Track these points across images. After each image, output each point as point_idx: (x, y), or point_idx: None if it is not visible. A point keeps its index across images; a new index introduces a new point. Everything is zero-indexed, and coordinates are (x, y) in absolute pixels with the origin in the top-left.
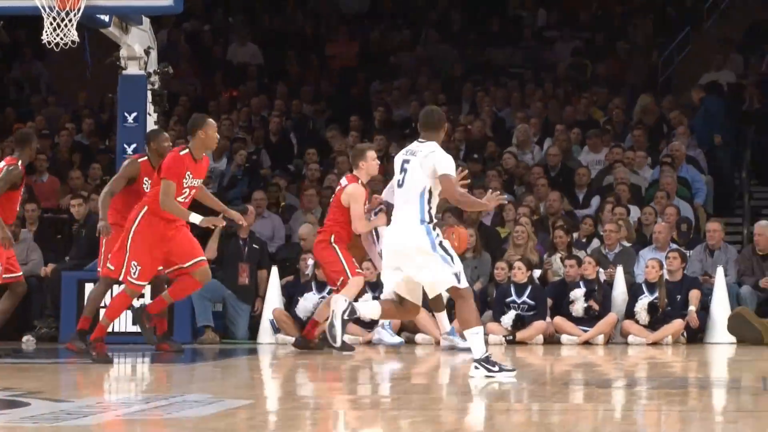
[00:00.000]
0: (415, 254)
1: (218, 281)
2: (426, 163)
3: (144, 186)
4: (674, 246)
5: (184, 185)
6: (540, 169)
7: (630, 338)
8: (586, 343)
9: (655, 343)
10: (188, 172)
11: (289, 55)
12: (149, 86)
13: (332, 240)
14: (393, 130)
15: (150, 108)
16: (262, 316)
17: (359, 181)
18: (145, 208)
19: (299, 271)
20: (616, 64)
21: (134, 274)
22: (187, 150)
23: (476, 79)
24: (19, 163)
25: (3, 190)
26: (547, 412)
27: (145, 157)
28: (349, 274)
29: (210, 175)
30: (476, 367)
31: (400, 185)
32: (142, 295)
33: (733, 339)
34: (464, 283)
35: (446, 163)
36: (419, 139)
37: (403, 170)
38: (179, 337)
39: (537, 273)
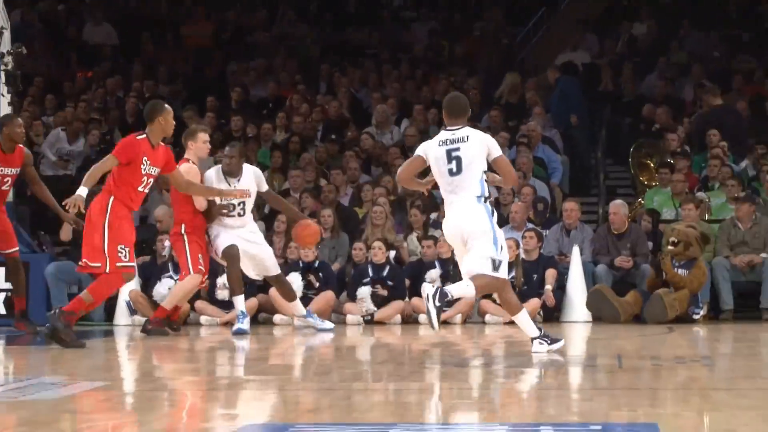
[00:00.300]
0: (479, 234)
1: (73, 263)
2: (482, 148)
3: None
4: (531, 225)
5: (142, 171)
6: (397, 149)
7: (487, 317)
8: (444, 323)
9: (511, 322)
10: (145, 158)
11: (145, 35)
12: (2, 67)
13: (182, 230)
14: (250, 110)
15: (3, 89)
16: (118, 297)
17: (190, 161)
18: (111, 198)
19: (155, 252)
20: (473, 44)
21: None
22: (144, 136)
23: (333, 59)
24: None
25: None
26: (403, 392)
27: None
28: (191, 270)
29: (67, 158)
30: (540, 343)
31: (455, 173)
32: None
33: (589, 317)
34: (503, 274)
35: (497, 145)
36: (448, 127)
37: (455, 158)
38: (35, 319)
39: (392, 254)
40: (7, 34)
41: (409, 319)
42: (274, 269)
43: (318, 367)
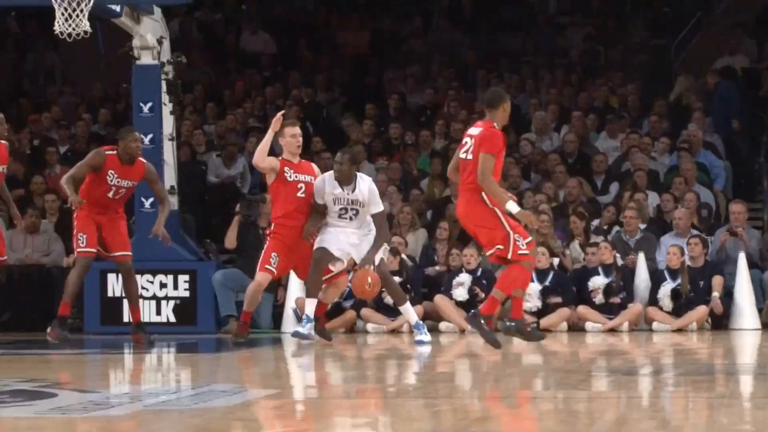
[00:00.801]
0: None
1: (240, 271)
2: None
3: (108, 178)
4: (695, 232)
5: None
6: (557, 156)
7: (654, 325)
8: (611, 331)
9: (679, 330)
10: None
11: (302, 43)
12: (163, 76)
13: (271, 229)
14: (408, 117)
15: (164, 98)
16: (285, 305)
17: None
18: None
19: None
20: (628, 49)
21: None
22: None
23: (489, 65)
24: None
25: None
26: (572, 400)
27: (115, 151)
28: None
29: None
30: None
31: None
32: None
33: (758, 325)
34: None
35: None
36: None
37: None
38: (203, 327)
39: (555, 261)
40: (166, 44)
41: (576, 327)
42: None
43: (486, 375)
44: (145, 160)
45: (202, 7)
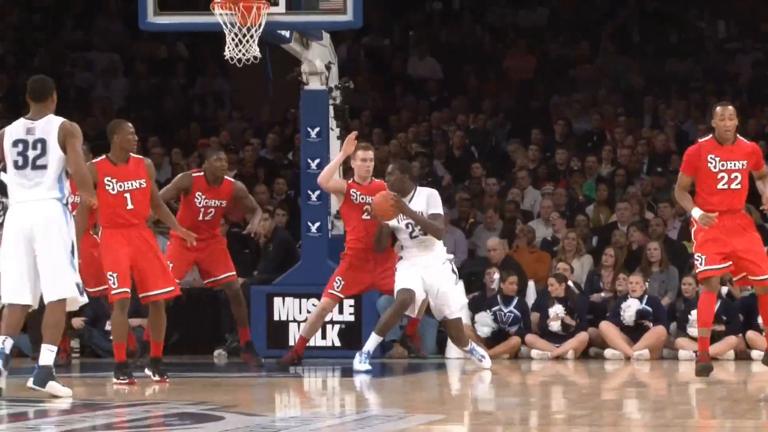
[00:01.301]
0: None
1: None
2: None
3: (196, 200)
4: None
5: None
6: None
7: None
8: None
9: None
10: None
11: (468, 69)
12: (331, 101)
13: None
14: (574, 143)
15: (332, 123)
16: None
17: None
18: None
19: (485, 285)
20: None
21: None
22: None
23: (657, 91)
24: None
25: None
26: (739, 429)
27: (201, 173)
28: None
29: None
30: None
31: None
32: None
33: None
34: None
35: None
36: None
37: None
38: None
39: (724, 290)
40: (334, 69)
41: (743, 355)
42: (452, 313)
43: (652, 403)
44: (232, 179)
45: (370, 32)
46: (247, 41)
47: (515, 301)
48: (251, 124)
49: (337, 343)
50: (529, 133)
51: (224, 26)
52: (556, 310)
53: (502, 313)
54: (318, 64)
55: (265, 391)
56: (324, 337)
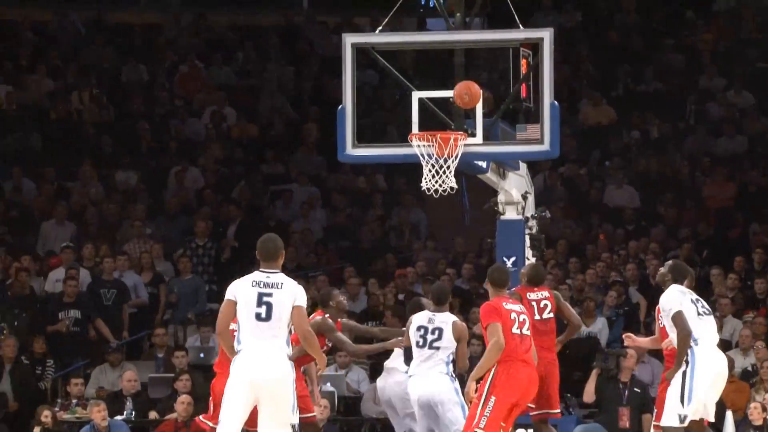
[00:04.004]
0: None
1: (600, 425)
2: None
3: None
4: None
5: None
6: None
7: None
8: None
9: None
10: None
11: (666, 197)
12: (527, 230)
13: None
14: None
15: (528, 252)
16: None
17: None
18: None
19: None
20: None
21: None
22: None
23: None
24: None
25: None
26: None
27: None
28: None
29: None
30: None
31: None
32: None
33: None
34: None
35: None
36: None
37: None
38: None
39: None
40: (531, 199)
41: None
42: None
43: None
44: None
45: (567, 162)
46: (444, 172)
47: None
48: (446, 254)
49: None
50: (728, 261)
51: (421, 158)
52: None
53: None
54: (514, 194)
55: None
56: None
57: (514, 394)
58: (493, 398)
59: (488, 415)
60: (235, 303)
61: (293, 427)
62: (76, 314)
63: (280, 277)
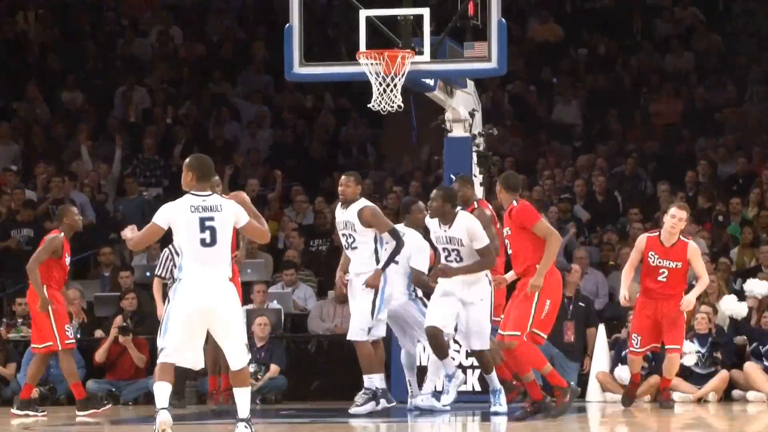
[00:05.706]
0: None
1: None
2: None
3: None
4: None
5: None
6: None
7: None
8: None
9: None
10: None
11: (612, 113)
12: (474, 148)
13: None
14: (717, 186)
15: (475, 169)
16: (590, 374)
17: None
18: None
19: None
20: None
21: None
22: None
23: None
24: (61, 234)
25: (42, 260)
26: None
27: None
28: None
29: None
30: None
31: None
32: None
33: None
34: None
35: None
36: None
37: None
38: None
39: None
40: (478, 116)
41: None
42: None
43: None
44: None
45: (515, 79)
46: (392, 90)
47: None
48: (394, 173)
49: (477, 388)
50: (676, 177)
51: (369, 75)
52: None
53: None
54: (462, 112)
55: None
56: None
57: (559, 296)
58: (548, 301)
59: (543, 318)
60: (162, 230)
61: (246, 346)
62: (29, 233)
63: (216, 199)
